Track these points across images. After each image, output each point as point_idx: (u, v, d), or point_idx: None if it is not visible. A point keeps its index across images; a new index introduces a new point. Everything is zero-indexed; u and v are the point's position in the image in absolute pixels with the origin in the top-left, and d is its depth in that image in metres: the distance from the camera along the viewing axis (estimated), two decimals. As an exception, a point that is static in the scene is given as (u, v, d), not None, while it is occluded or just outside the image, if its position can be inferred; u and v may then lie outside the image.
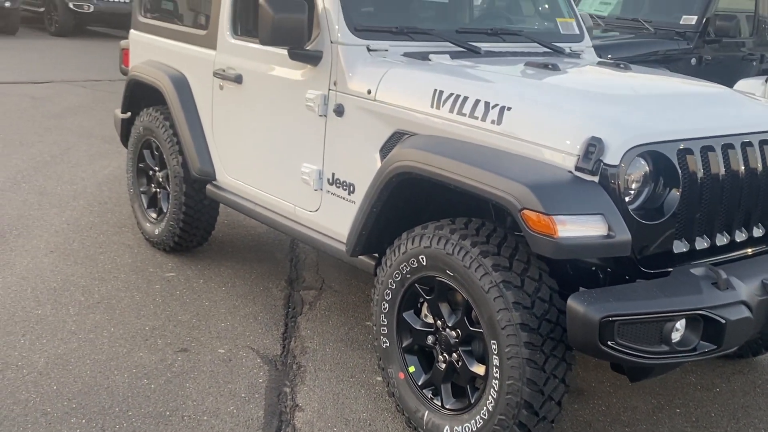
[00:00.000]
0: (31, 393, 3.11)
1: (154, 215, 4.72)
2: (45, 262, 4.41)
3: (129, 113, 4.82)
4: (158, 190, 4.68)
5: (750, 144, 2.88)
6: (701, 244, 2.78)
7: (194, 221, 4.42)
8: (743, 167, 2.84)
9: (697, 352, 2.53)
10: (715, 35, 7.97)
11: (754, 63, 8.23)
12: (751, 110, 3.09)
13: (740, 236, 2.92)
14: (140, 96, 4.69)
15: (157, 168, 4.64)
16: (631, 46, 7.64)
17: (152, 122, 4.49)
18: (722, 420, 3.26)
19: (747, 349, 3.63)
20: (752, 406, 3.39)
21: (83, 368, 3.32)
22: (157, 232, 4.62)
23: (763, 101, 3.42)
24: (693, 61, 7.78)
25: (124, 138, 4.92)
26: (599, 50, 6.52)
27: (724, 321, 2.49)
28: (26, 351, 3.43)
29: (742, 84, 6.50)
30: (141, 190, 4.84)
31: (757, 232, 2.97)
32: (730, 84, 6.40)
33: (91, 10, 15.23)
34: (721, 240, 2.85)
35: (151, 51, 4.66)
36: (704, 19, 7.90)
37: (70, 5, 15.31)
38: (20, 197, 5.53)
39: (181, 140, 4.23)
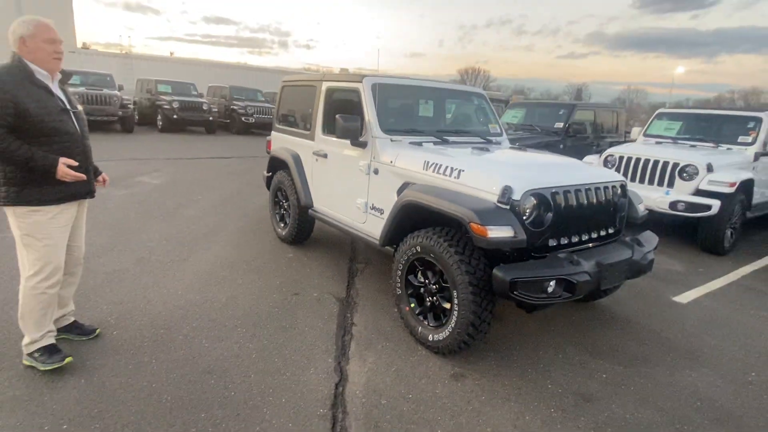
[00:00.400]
0: (218, 314, 3.11)
1: (282, 225, 4.71)
2: (227, 249, 4.43)
3: (270, 173, 4.84)
4: (284, 212, 4.68)
5: (589, 189, 2.84)
6: (564, 241, 2.75)
7: (302, 228, 4.42)
8: (585, 201, 2.80)
9: (561, 298, 2.52)
10: (572, 133, 7.88)
11: (594, 147, 8.12)
12: (589, 172, 3.05)
13: (586, 237, 2.87)
14: (276, 165, 4.72)
15: (284, 200, 4.64)
16: (529, 139, 7.57)
17: (282, 178, 4.53)
18: (577, 331, 3.19)
19: (590, 297, 3.56)
20: (592, 324, 3.31)
21: (245, 302, 3.32)
22: (284, 233, 4.62)
23: (596, 167, 3.35)
24: (561, 146, 7.69)
25: (268, 185, 4.92)
26: (512, 141, 6.53)
27: (575, 282, 2.48)
28: (215, 293, 3.44)
29: (587, 158, 6.40)
30: (276, 212, 4.84)
31: (595, 235, 2.91)
32: (580, 158, 6.35)
33: (253, 121, 15.39)
34: (575, 239, 2.80)
35: (281, 141, 4.69)
36: (567, 125, 7.83)
37: (242, 118, 15.46)
38: (216, 216, 5.55)
39: (296, 187, 4.25)
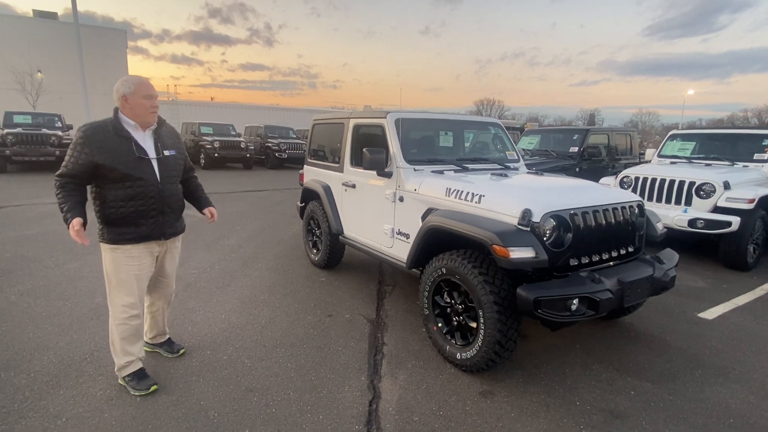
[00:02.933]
0: (259, 336, 3.15)
1: (315, 251, 4.77)
2: (265, 274, 4.50)
3: (303, 203, 4.94)
4: (317, 238, 4.74)
5: (606, 209, 2.79)
6: (585, 260, 2.69)
7: (333, 253, 4.47)
8: (603, 221, 2.75)
9: (585, 315, 2.45)
10: (587, 156, 7.77)
11: (609, 169, 7.98)
12: (606, 193, 3.00)
13: (606, 255, 2.81)
14: (308, 195, 4.82)
15: (316, 228, 4.71)
16: (545, 163, 7.49)
17: (314, 207, 4.62)
18: (603, 348, 3.08)
19: (614, 314, 3.45)
20: (618, 341, 3.19)
21: (283, 324, 3.36)
22: (316, 259, 4.68)
23: (612, 188, 3.30)
24: (577, 169, 7.58)
25: (301, 215, 5.01)
26: (528, 166, 6.49)
27: (598, 299, 2.41)
28: (255, 316, 3.49)
29: (603, 180, 6.29)
30: (309, 239, 4.90)
31: (615, 253, 2.85)
32: (596, 180, 6.24)
33: (286, 156, 15.79)
34: (596, 258, 2.75)
35: (313, 174, 4.81)
36: (582, 149, 7.73)
37: (276, 154, 15.88)
38: (254, 244, 5.67)
39: (327, 215, 4.33)
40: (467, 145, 4.29)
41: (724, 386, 2.67)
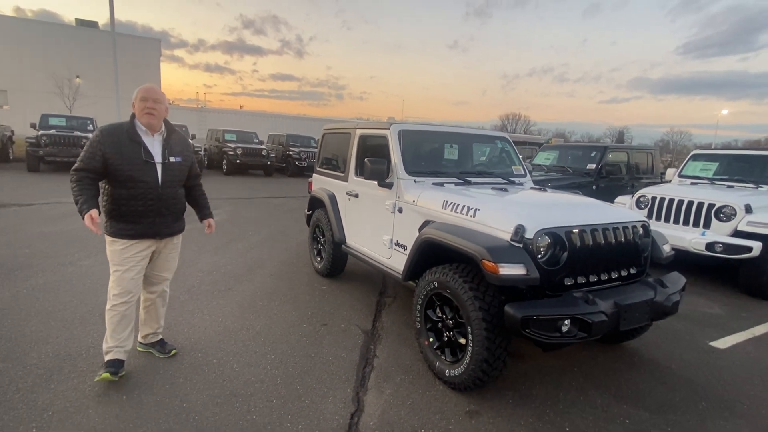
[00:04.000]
0: (252, 341, 3.16)
1: (319, 259, 4.78)
2: (268, 280, 4.53)
3: (310, 211, 4.97)
4: (321, 247, 4.74)
5: (607, 228, 2.70)
6: (581, 280, 2.61)
7: (336, 262, 4.47)
8: (603, 241, 2.66)
9: (577, 337, 2.36)
10: (605, 174, 7.59)
11: (628, 188, 7.75)
12: (608, 211, 2.90)
13: (606, 276, 2.72)
14: (315, 204, 4.85)
15: (321, 236, 4.72)
16: (561, 180, 7.36)
17: (319, 216, 4.64)
18: (601, 373, 2.96)
19: (615, 338, 3.33)
20: (618, 366, 3.06)
21: (277, 331, 3.36)
22: (320, 267, 4.69)
23: (617, 207, 3.20)
24: (594, 187, 7.40)
25: (308, 223, 5.04)
26: (544, 183, 6.39)
27: (590, 321, 2.32)
28: (252, 321, 3.50)
29: (619, 199, 6.12)
30: (314, 246, 4.92)
31: (615, 274, 2.75)
32: (613, 199, 6.08)
33: (305, 164, 15.95)
34: (593, 278, 2.66)
35: (321, 183, 4.85)
36: (599, 166, 7.56)
37: (296, 162, 16.08)
38: (263, 250, 5.74)
39: (331, 224, 4.34)
40: (473, 158, 4.25)
41: (728, 421, 2.51)
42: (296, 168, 16.07)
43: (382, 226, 3.58)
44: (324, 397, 2.53)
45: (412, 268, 3.05)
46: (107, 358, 2.57)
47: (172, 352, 2.89)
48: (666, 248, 3.07)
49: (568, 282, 2.54)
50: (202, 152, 14.65)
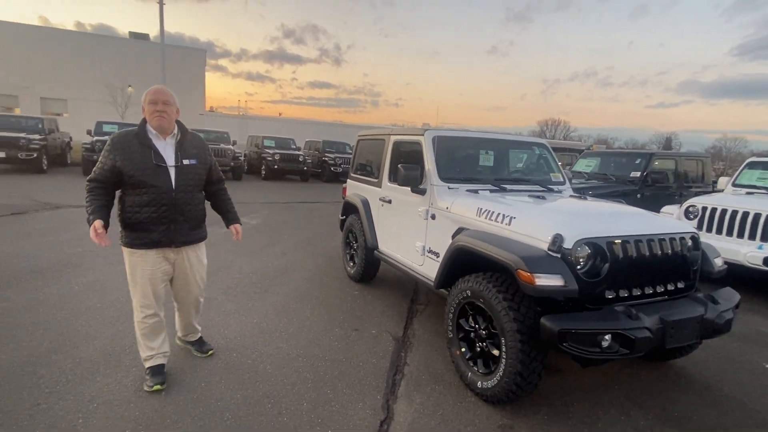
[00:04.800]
0: (285, 344, 3.21)
1: (351, 264, 4.81)
2: (302, 283, 4.60)
3: (344, 216, 5.02)
4: (354, 252, 4.77)
5: (652, 239, 2.57)
6: (623, 293, 2.48)
7: (368, 267, 4.48)
8: (648, 252, 2.53)
9: (618, 354, 2.26)
10: (651, 182, 7.24)
11: (676, 197, 7.35)
12: (654, 221, 2.76)
13: (650, 290, 2.58)
14: (348, 209, 4.89)
15: (354, 242, 4.75)
16: (602, 188, 7.09)
17: (353, 221, 4.67)
18: (645, 392, 2.80)
19: (661, 356, 3.15)
20: (664, 386, 2.89)
21: (309, 334, 3.40)
22: (352, 272, 4.71)
23: (663, 217, 3.04)
24: (638, 195, 7.08)
25: (341, 228, 5.08)
26: (585, 191, 6.17)
27: (633, 337, 2.21)
28: (285, 324, 3.56)
29: (665, 209, 5.82)
30: (347, 251, 4.95)
31: (661, 289, 2.61)
32: (659, 208, 5.77)
33: (340, 170, 16.15)
34: (637, 291, 2.53)
35: (354, 188, 4.89)
36: (644, 174, 7.22)
37: (331, 168, 16.33)
38: (297, 253, 5.83)
39: (364, 229, 4.36)
40: (510, 165, 4.16)
41: (788, 451, 2.32)
42: (331, 173, 16.31)
43: (414, 232, 3.56)
44: (354, 403, 2.53)
45: (445, 275, 3.01)
46: (148, 365, 2.58)
47: (210, 352, 2.95)
48: (718, 262, 2.88)
49: (609, 295, 2.42)
50: (242, 158, 15.13)
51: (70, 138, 15.79)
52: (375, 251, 4.23)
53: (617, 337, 2.19)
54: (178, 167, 2.47)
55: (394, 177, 3.92)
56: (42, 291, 3.88)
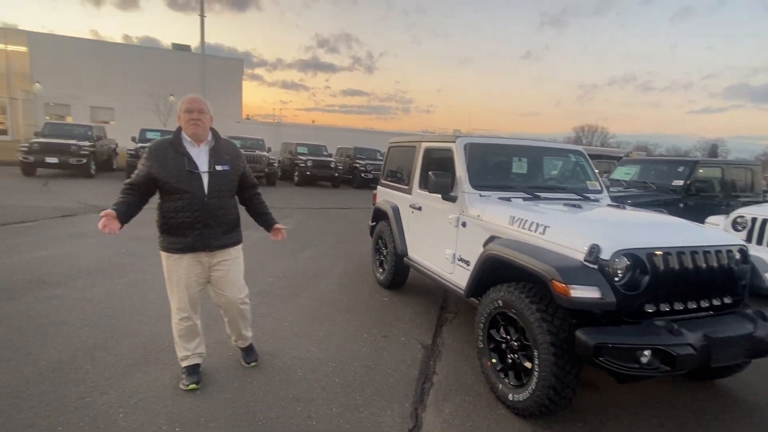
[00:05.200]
0: (315, 347, 3.25)
1: (381, 270, 4.82)
2: (332, 288, 4.65)
3: (374, 223, 5.05)
4: (383, 258, 4.77)
5: (696, 252, 2.45)
6: (664, 307, 2.38)
7: (398, 274, 4.48)
8: (691, 265, 2.42)
9: (659, 371, 2.16)
10: (696, 191, 6.90)
11: (723, 207, 6.96)
12: (698, 233, 2.64)
13: (694, 305, 2.46)
14: (379, 215, 4.92)
15: (384, 248, 4.76)
16: (642, 196, 6.82)
17: (383, 227, 4.69)
18: (687, 412, 2.66)
19: (706, 375, 2.99)
20: (708, 406, 2.73)
21: (339, 339, 3.43)
22: (381, 278, 4.73)
23: (710, 227, 2.90)
24: (681, 205, 6.76)
25: (371, 234, 5.11)
26: (623, 199, 5.95)
27: (675, 354, 2.11)
28: (315, 328, 3.60)
29: (710, 219, 5.53)
30: (376, 257, 4.97)
31: (705, 304, 2.48)
32: (703, 219, 5.49)
33: (371, 176, 16.30)
34: (679, 306, 2.41)
35: (385, 195, 4.91)
36: (688, 183, 6.90)
37: (362, 174, 16.54)
38: (328, 258, 5.91)
39: (393, 236, 4.37)
40: (544, 172, 4.08)
41: None
42: (362, 180, 16.48)
43: (444, 240, 3.54)
44: (382, 410, 2.52)
45: (475, 284, 2.97)
46: (184, 364, 2.66)
47: (252, 364, 2.91)
48: (769, 277, 2.71)
49: (650, 309, 2.32)
50: (276, 164, 15.49)
51: (116, 144, 16.64)
52: (404, 258, 4.23)
53: (658, 354, 2.09)
54: (211, 173, 2.53)
55: (424, 184, 3.91)
56: (89, 290, 4.10)
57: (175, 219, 2.48)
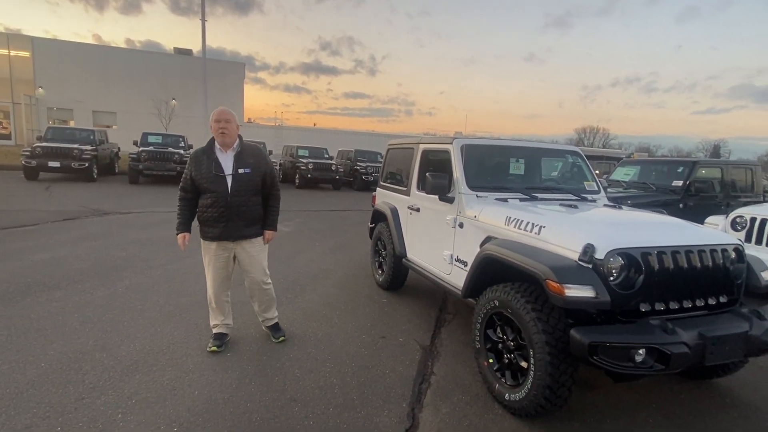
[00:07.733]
0: (313, 348, 3.26)
1: (380, 271, 4.83)
2: (331, 290, 4.67)
3: (373, 224, 5.06)
4: (383, 260, 4.78)
5: (691, 251, 2.46)
6: (659, 306, 2.39)
7: (396, 275, 4.50)
8: (686, 264, 2.43)
9: (653, 369, 2.17)
10: (695, 192, 6.90)
11: (723, 207, 6.96)
12: (693, 232, 2.65)
13: (689, 304, 2.46)
14: (377, 217, 4.93)
15: (383, 249, 4.77)
16: (642, 197, 6.82)
17: (382, 229, 4.71)
18: (684, 412, 2.66)
19: (704, 374, 2.99)
20: (705, 405, 2.74)
21: (337, 340, 3.44)
22: (381, 280, 4.74)
23: (707, 227, 2.91)
24: (681, 205, 6.77)
25: (370, 236, 5.13)
26: (622, 200, 5.95)
27: (669, 352, 2.12)
28: (314, 329, 3.62)
29: (710, 219, 5.52)
30: (375, 259, 4.99)
31: (701, 302, 2.49)
32: (703, 219, 5.49)
33: (372, 179, 16.33)
34: (674, 305, 2.42)
35: (384, 197, 4.92)
36: (687, 183, 6.90)
37: (363, 177, 16.58)
38: (327, 260, 5.94)
39: (392, 237, 4.39)
40: (542, 173, 4.09)
41: None
42: (363, 182, 16.54)
43: (442, 241, 3.55)
44: (379, 410, 2.53)
45: (472, 285, 2.98)
46: (214, 331, 3.20)
47: (280, 338, 3.33)
48: (765, 276, 2.71)
49: (644, 308, 2.33)
50: (277, 167, 15.55)
51: (119, 148, 16.72)
52: (403, 259, 4.24)
53: (652, 352, 2.10)
54: (234, 175, 2.95)
55: (422, 185, 3.93)
56: (90, 292, 4.13)
57: (206, 213, 2.97)
